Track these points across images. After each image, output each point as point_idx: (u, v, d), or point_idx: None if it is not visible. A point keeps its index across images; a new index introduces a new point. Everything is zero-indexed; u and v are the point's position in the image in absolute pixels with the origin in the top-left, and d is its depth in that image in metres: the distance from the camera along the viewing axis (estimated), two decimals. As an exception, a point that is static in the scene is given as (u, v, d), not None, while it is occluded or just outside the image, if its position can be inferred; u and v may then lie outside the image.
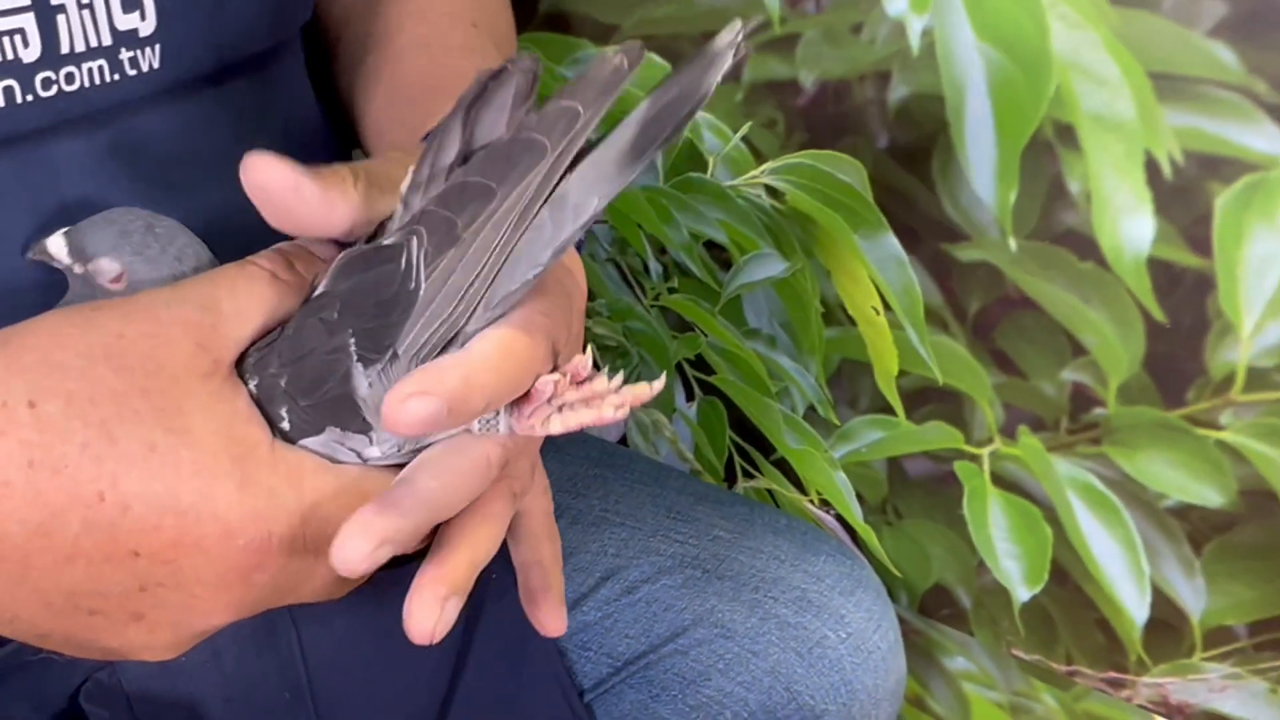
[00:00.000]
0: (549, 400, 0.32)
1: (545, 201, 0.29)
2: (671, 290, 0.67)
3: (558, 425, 0.32)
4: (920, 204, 0.55)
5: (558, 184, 0.29)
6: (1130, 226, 0.49)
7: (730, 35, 0.28)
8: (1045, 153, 0.50)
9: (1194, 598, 0.53)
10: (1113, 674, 0.57)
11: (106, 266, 0.33)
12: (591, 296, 0.70)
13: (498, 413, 0.32)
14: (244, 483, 0.29)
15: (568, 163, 0.29)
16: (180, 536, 0.29)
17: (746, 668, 0.49)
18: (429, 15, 0.49)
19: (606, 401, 0.32)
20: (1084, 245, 0.51)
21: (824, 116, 0.56)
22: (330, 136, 0.51)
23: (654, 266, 0.67)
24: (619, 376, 0.32)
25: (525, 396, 0.31)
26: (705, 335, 0.66)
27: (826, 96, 0.56)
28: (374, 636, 0.41)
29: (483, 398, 0.29)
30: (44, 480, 0.28)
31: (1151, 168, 0.48)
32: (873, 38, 0.54)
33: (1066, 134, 0.50)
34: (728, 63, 0.28)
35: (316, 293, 0.32)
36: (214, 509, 0.29)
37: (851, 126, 0.55)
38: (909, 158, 0.54)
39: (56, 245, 0.34)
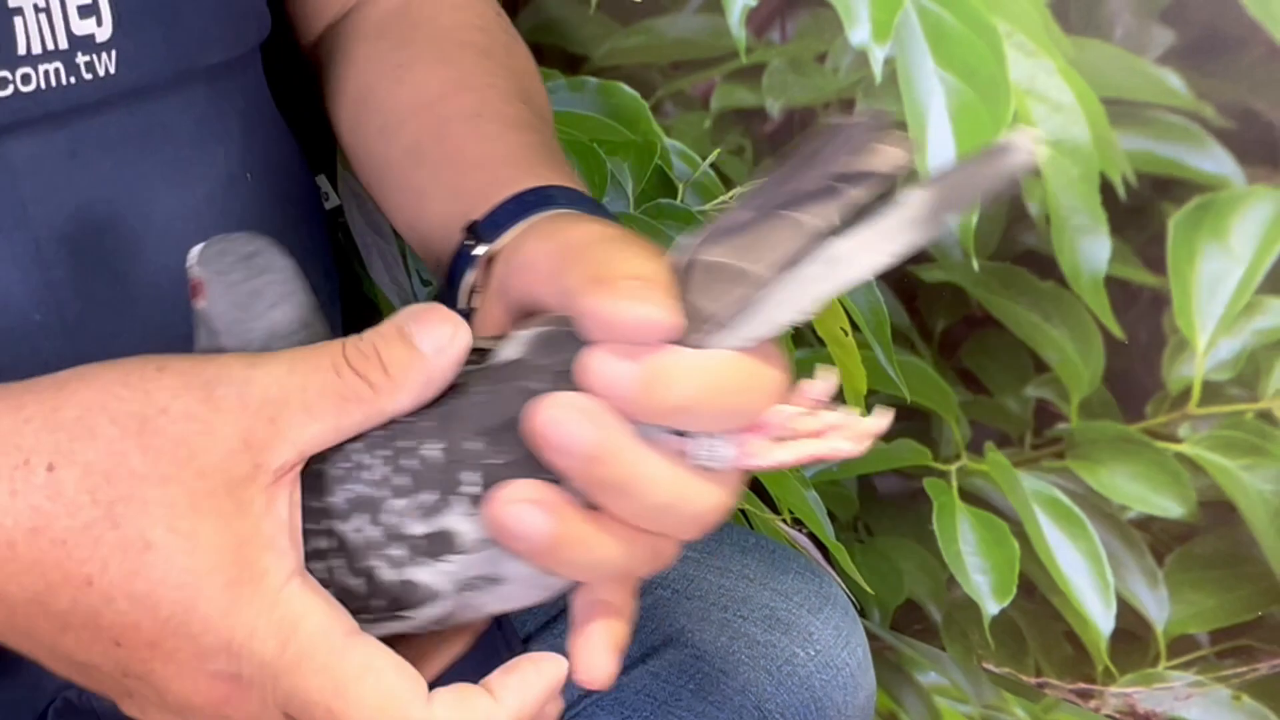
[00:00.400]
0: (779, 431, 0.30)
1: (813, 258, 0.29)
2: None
3: (787, 455, 0.30)
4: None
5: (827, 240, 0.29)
6: (1088, 246, 0.51)
7: (1026, 138, 0.28)
8: (1005, 176, 0.52)
9: (1157, 608, 0.55)
10: (1081, 685, 0.58)
11: (191, 276, 0.33)
12: (565, 321, 0.71)
13: (720, 439, 0.30)
14: (228, 611, 0.27)
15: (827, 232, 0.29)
16: (157, 641, 0.28)
17: (717, 687, 0.50)
18: (474, 85, 0.46)
19: (840, 434, 0.31)
20: (1044, 265, 0.53)
21: (791, 143, 0.58)
22: (295, 151, 0.52)
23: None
24: (854, 410, 0.31)
25: (751, 426, 0.30)
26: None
27: (793, 124, 0.58)
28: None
29: (720, 406, 0.28)
30: (44, 550, 0.27)
31: (1107, 190, 0.50)
32: (837, 66, 0.55)
33: (1025, 158, 0.51)
34: (1027, 157, 0.28)
35: (501, 360, 0.31)
36: (189, 628, 0.27)
37: (817, 152, 0.57)
38: (874, 182, 0.56)
39: (192, 259, 0.33)
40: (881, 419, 0.31)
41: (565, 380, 0.29)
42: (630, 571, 0.31)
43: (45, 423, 0.28)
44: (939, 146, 0.53)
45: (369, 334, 0.30)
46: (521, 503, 0.29)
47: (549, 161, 0.43)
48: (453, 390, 0.30)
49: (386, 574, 0.30)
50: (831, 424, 0.31)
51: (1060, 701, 0.60)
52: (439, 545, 0.30)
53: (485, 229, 0.39)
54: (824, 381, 0.31)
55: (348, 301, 0.56)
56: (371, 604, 0.30)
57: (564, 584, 0.32)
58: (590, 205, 0.40)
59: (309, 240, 0.52)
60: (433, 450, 0.30)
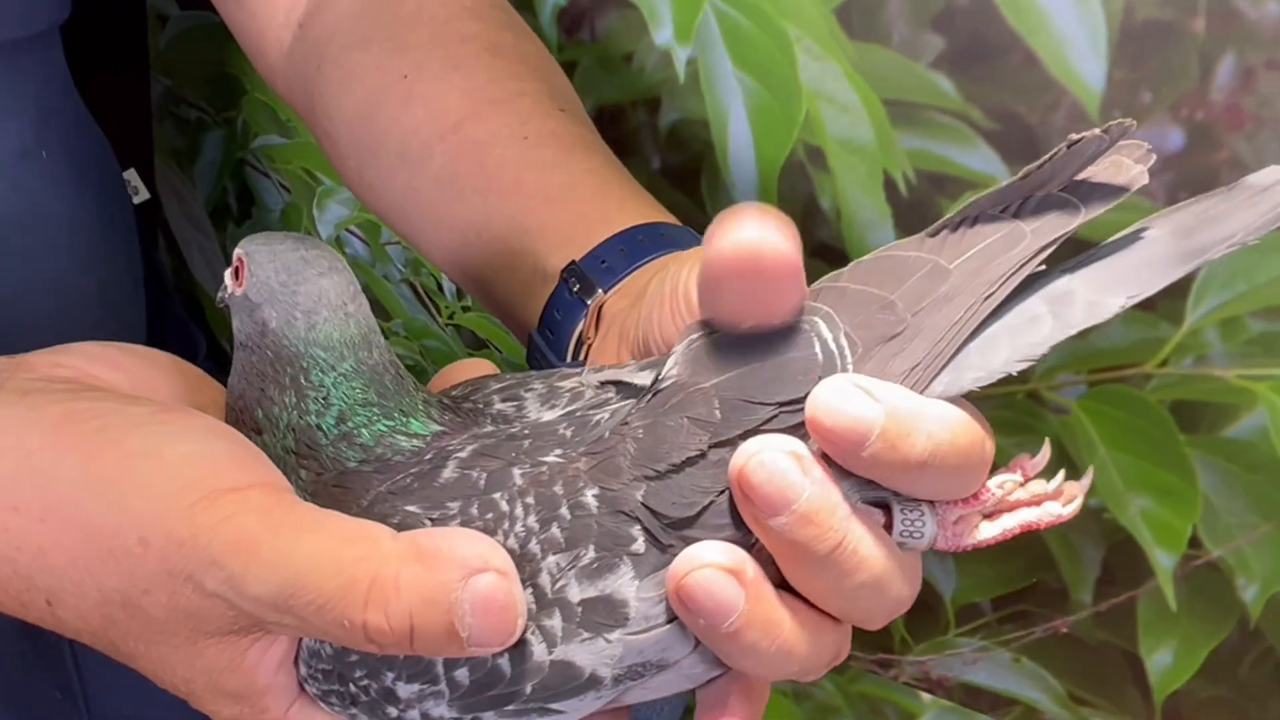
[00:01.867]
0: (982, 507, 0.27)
1: (1033, 292, 0.26)
2: (465, 309, 0.69)
3: (994, 532, 0.27)
4: (692, 222, 0.59)
5: (1043, 276, 0.26)
6: (875, 239, 0.55)
7: (1273, 177, 0.26)
8: (799, 173, 0.55)
9: (946, 579, 0.59)
10: (881, 655, 0.62)
11: (235, 255, 0.30)
12: (387, 317, 0.72)
13: (923, 514, 0.27)
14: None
15: (1042, 255, 0.26)
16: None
17: None
18: (499, 95, 0.42)
19: (1054, 500, 0.28)
20: (837, 258, 0.56)
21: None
22: (99, 140, 0.51)
23: (448, 286, 0.69)
24: (1059, 475, 0.28)
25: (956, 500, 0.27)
26: (500, 351, 0.69)
27: (603, 121, 0.60)
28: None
29: (954, 467, 0.25)
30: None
31: (890, 186, 0.54)
32: (643, 66, 0.58)
33: (817, 156, 0.55)
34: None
35: (665, 385, 0.27)
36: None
37: (626, 149, 0.59)
38: (680, 178, 0.59)
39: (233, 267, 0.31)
40: (1087, 478, 0.28)
41: (739, 410, 0.26)
42: (807, 670, 0.27)
43: (35, 559, 0.27)
44: (739, 146, 0.56)
45: (416, 580, 0.26)
46: (715, 569, 0.25)
47: (625, 186, 0.40)
48: (597, 423, 0.27)
49: (537, 651, 0.26)
50: (1041, 493, 0.28)
51: (864, 673, 0.63)
52: (602, 615, 0.26)
53: (593, 272, 0.36)
54: (1045, 452, 0.28)
55: (151, 295, 0.56)
56: (515, 690, 0.26)
57: (708, 678, 0.28)
58: (693, 238, 0.38)
59: (111, 227, 0.52)
60: (588, 497, 0.26)
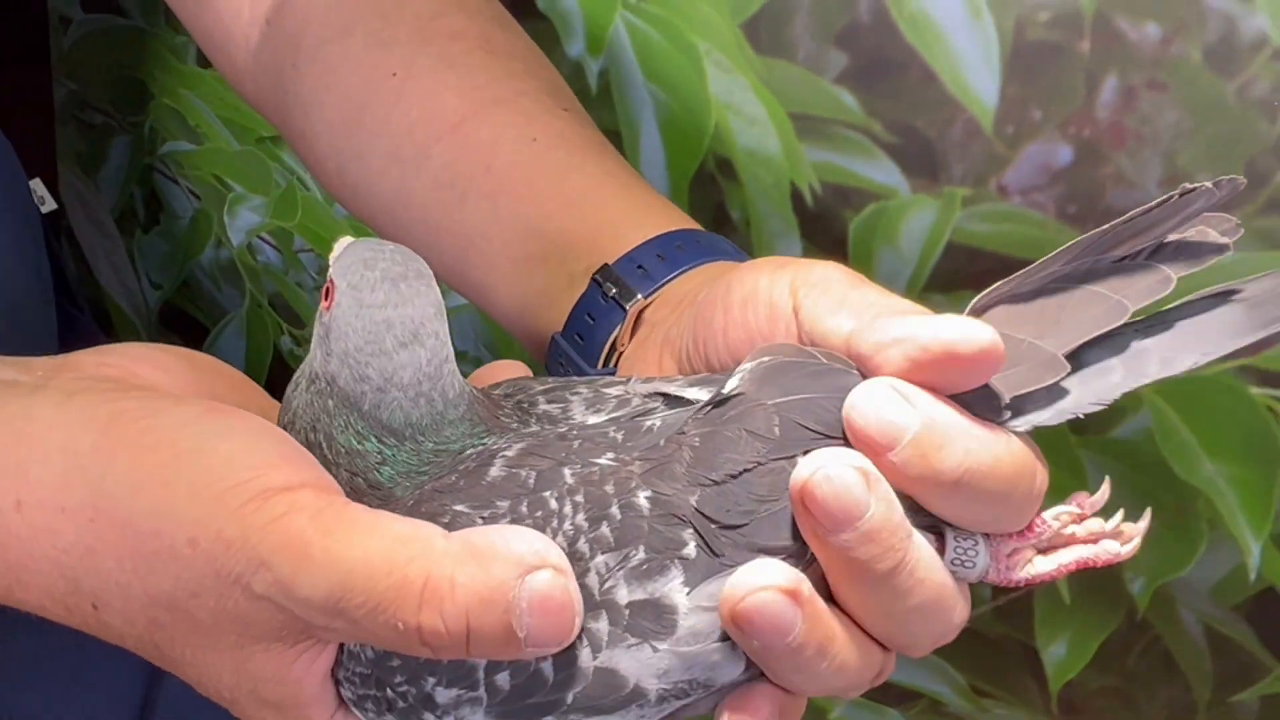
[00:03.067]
0: (1036, 540, 0.27)
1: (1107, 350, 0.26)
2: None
3: (1049, 567, 0.27)
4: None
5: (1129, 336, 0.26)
6: (782, 249, 0.57)
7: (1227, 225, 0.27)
8: (710, 183, 0.57)
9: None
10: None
11: (329, 275, 0.28)
12: (301, 324, 0.72)
13: (977, 543, 0.26)
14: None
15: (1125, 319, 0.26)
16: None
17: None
18: (500, 95, 0.40)
19: (1111, 539, 0.28)
20: (746, 266, 0.58)
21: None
22: (4, 147, 0.50)
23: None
24: (1119, 514, 0.28)
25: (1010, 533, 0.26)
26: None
27: (517, 130, 0.61)
28: (66, 650, 0.41)
29: (999, 491, 0.24)
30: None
31: (796, 197, 0.56)
32: (556, 77, 0.59)
33: (726, 167, 0.57)
34: None
35: (728, 397, 0.27)
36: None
37: (540, 158, 0.61)
38: (593, 188, 0.60)
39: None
40: (1145, 520, 0.28)
41: (800, 427, 0.26)
42: (853, 687, 0.27)
43: (82, 560, 0.26)
44: (652, 156, 0.58)
45: (471, 579, 0.25)
46: (773, 591, 0.24)
47: (645, 191, 0.39)
48: (649, 429, 0.27)
49: (582, 655, 0.26)
50: (1098, 531, 0.28)
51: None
52: (650, 620, 0.25)
53: (630, 277, 0.35)
54: (1105, 491, 0.28)
55: (60, 307, 0.55)
56: (556, 699, 0.26)
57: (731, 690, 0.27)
58: (728, 245, 0.37)
59: (18, 238, 0.51)
60: (640, 498, 0.26)
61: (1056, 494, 0.55)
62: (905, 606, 0.25)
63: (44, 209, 0.69)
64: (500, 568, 0.24)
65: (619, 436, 0.27)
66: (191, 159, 0.71)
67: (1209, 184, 0.27)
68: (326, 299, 0.28)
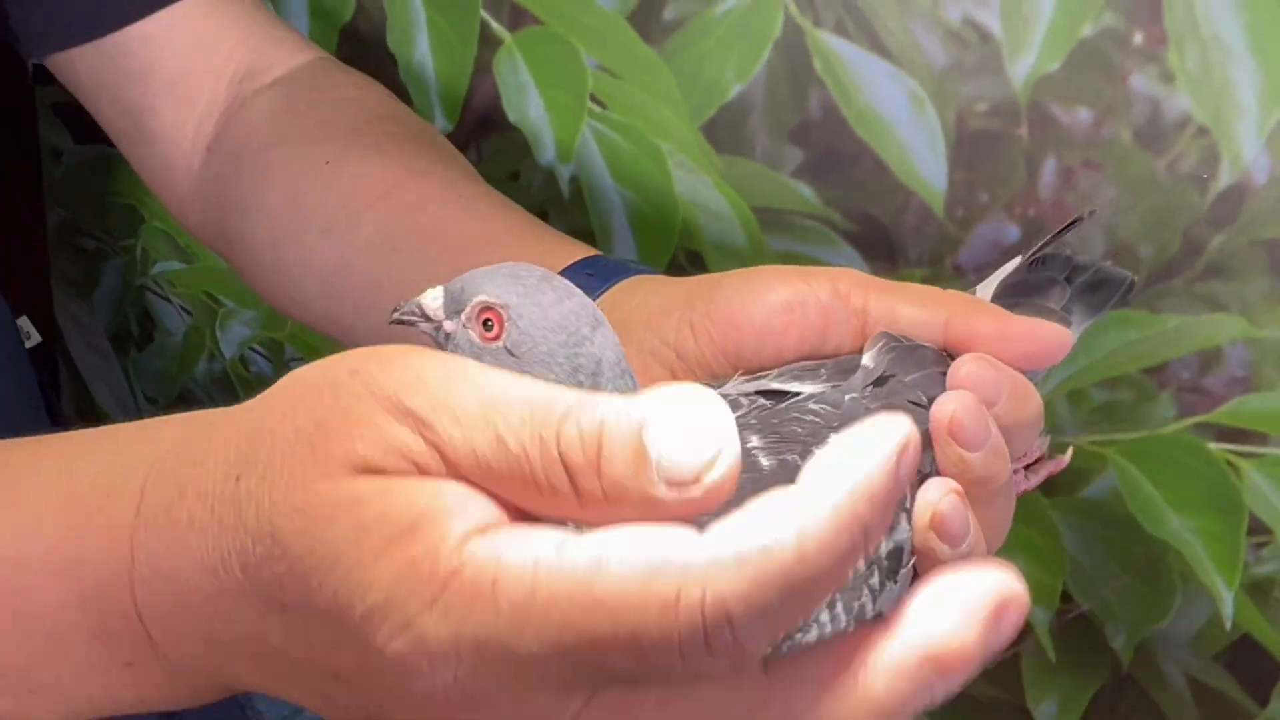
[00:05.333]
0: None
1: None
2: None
3: (1036, 481, 0.34)
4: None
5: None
6: (754, 335, 0.60)
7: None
8: (682, 275, 0.61)
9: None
10: None
11: (482, 304, 0.28)
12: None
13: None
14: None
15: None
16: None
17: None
18: (425, 169, 0.44)
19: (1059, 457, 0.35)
20: (722, 353, 0.61)
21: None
22: None
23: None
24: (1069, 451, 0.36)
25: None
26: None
27: (495, 235, 0.65)
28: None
29: (1036, 425, 0.31)
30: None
31: (765, 285, 0.59)
32: (530, 183, 0.63)
33: (696, 259, 0.60)
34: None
35: (885, 374, 0.32)
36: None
37: (518, 261, 0.64)
38: (570, 286, 0.64)
39: (433, 298, 0.29)
40: (1069, 453, 0.37)
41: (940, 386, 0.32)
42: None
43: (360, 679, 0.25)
44: (623, 251, 0.62)
45: (602, 407, 0.24)
46: (954, 495, 0.30)
47: (557, 233, 0.43)
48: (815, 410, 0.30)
49: (869, 610, 0.28)
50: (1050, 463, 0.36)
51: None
52: (895, 565, 0.29)
53: None
54: (1069, 456, 0.36)
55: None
56: None
57: None
58: (641, 266, 0.40)
59: (12, 372, 0.54)
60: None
61: (1028, 552, 0.57)
62: (1003, 515, 0.32)
63: (28, 344, 0.72)
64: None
65: (803, 414, 0.31)
66: (182, 278, 0.74)
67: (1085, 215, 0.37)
68: (488, 329, 0.28)
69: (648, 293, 0.37)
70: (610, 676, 0.23)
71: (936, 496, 0.30)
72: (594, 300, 0.37)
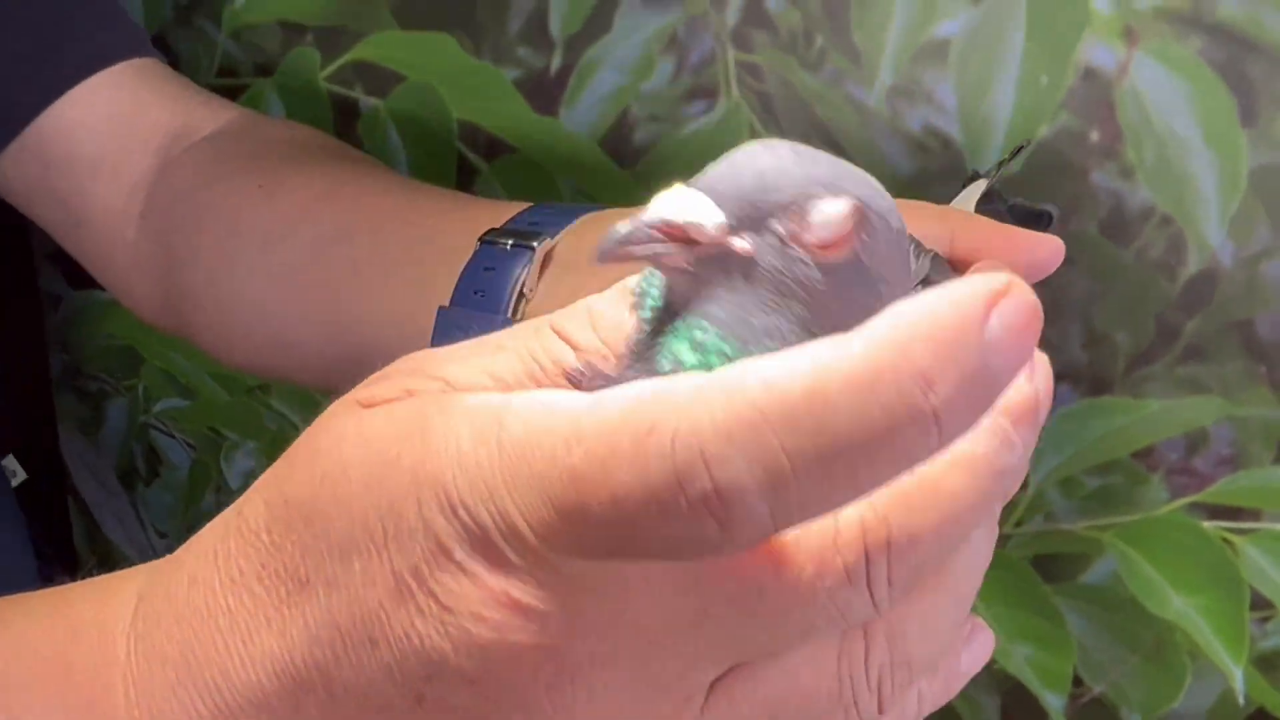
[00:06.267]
0: None
1: None
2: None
3: None
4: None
5: None
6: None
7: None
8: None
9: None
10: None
11: (826, 212, 0.21)
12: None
13: None
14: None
15: None
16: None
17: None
18: (367, 173, 0.44)
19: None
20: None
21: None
22: None
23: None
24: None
25: None
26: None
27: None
28: None
29: None
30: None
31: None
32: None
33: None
34: None
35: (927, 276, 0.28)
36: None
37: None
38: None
39: (698, 207, 0.21)
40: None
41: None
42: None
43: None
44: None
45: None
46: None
47: (507, 202, 0.42)
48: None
49: None
50: None
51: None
52: None
53: (524, 227, 0.37)
54: None
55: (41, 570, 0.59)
56: None
57: None
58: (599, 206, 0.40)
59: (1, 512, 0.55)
60: None
61: (1036, 640, 0.58)
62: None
63: (14, 482, 0.74)
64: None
65: None
66: (185, 414, 0.76)
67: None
68: (831, 243, 0.21)
69: (613, 221, 0.38)
70: (600, 540, 0.19)
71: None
72: (560, 230, 0.37)
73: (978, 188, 0.38)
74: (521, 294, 0.37)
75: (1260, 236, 0.50)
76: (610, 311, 0.23)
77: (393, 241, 0.41)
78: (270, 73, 0.66)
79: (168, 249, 0.48)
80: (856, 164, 0.22)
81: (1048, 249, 0.32)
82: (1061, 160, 0.51)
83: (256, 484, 0.24)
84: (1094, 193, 0.51)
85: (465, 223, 0.40)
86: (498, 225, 0.39)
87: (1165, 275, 0.51)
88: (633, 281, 0.23)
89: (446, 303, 0.38)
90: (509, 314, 0.37)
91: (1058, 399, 0.54)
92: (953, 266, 0.31)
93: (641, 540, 0.18)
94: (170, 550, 0.28)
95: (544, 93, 0.60)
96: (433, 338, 0.38)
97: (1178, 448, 0.53)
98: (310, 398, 0.71)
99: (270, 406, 0.73)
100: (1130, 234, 0.52)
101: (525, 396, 0.20)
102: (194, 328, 0.49)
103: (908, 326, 0.17)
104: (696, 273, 0.21)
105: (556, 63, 0.59)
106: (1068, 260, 0.54)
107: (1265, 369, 0.51)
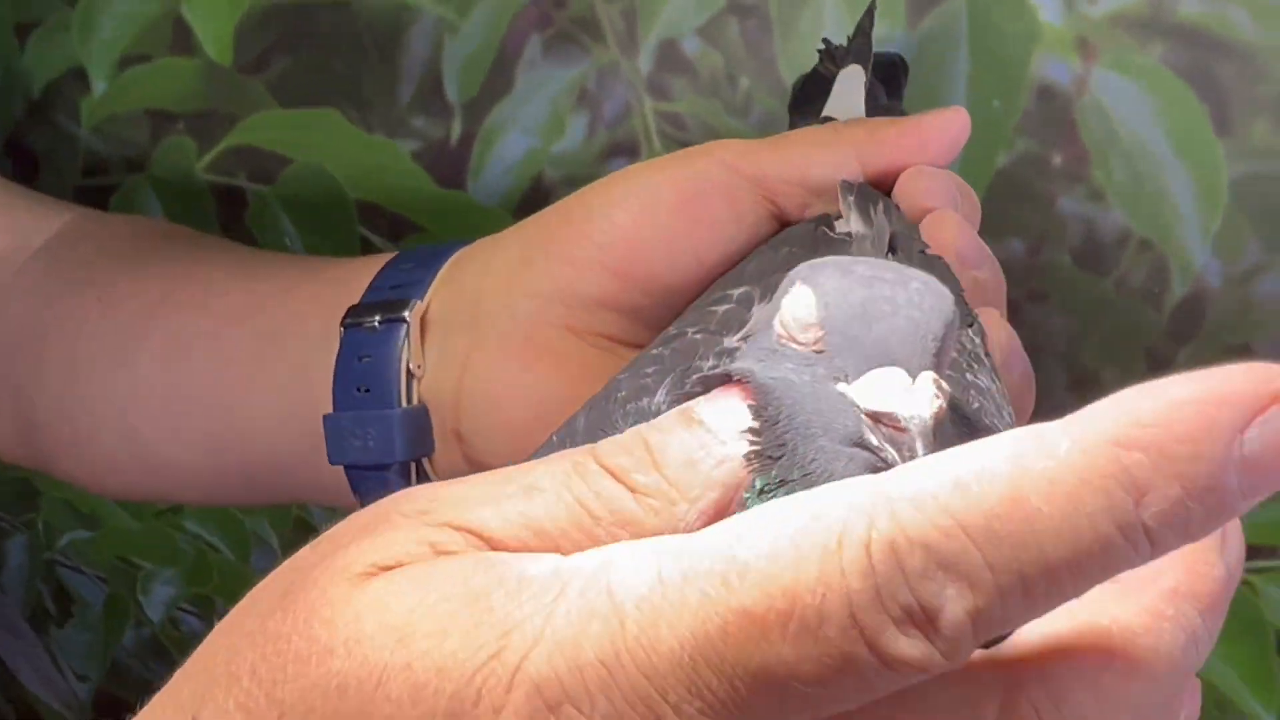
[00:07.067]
0: None
1: None
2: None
3: None
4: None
5: None
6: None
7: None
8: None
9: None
10: None
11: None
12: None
13: None
14: None
15: None
16: None
17: None
18: (205, 255, 0.42)
19: None
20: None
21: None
22: None
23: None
24: None
25: None
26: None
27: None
28: None
29: None
30: None
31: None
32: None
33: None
34: None
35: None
36: None
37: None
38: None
39: (908, 388, 0.19)
40: None
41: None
42: None
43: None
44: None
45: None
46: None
47: (364, 259, 0.40)
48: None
49: None
50: None
51: None
52: None
53: (386, 297, 0.34)
54: None
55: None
56: None
57: None
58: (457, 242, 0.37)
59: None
60: None
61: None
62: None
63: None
64: None
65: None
66: (92, 546, 0.70)
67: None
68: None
69: (489, 254, 0.33)
70: (778, 681, 0.16)
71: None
72: (428, 287, 0.34)
73: (852, 76, 0.35)
74: (410, 373, 0.34)
75: (1249, 253, 0.46)
76: (675, 444, 0.19)
77: (249, 341, 0.38)
78: (142, 168, 0.60)
79: (12, 380, 0.45)
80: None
81: (956, 124, 0.31)
82: (1024, 188, 0.47)
83: (216, 674, 0.19)
84: (1063, 221, 0.47)
85: (320, 301, 0.37)
86: (356, 298, 0.35)
87: (1150, 304, 0.47)
88: (709, 417, 0.19)
89: (326, 398, 0.35)
90: (404, 402, 0.34)
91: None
92: (876, 185, 0.31)
93: (835, 682, 0.16)
94: (94, 692, 0.21)
95: (447, 164, 0.55)
96: (328, 450, 0.35)
97: (1182, 487, 0.49)
98: (228, 514, 0.65)
99: (184, 529, 0.67)
100: (1107, 262, 0.47)
101: (631, 551, 0.17)
102: (54, 460, 0.45)
103: (1130, 427, 0.15)
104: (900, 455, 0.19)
105: (457, 130, 0.54)
106: (1043, 296, 0.50)
107: (1268, 394, 0.47)
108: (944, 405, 0.19)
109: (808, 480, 0.18)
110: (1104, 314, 0.48)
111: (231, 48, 0.56)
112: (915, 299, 0.19)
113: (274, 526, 0.64)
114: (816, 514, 0.16)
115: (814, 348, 0.19)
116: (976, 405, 0.23)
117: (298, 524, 0.64)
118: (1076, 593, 0.16)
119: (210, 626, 0.72)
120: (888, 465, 0.18)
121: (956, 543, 0.15)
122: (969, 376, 0.23)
